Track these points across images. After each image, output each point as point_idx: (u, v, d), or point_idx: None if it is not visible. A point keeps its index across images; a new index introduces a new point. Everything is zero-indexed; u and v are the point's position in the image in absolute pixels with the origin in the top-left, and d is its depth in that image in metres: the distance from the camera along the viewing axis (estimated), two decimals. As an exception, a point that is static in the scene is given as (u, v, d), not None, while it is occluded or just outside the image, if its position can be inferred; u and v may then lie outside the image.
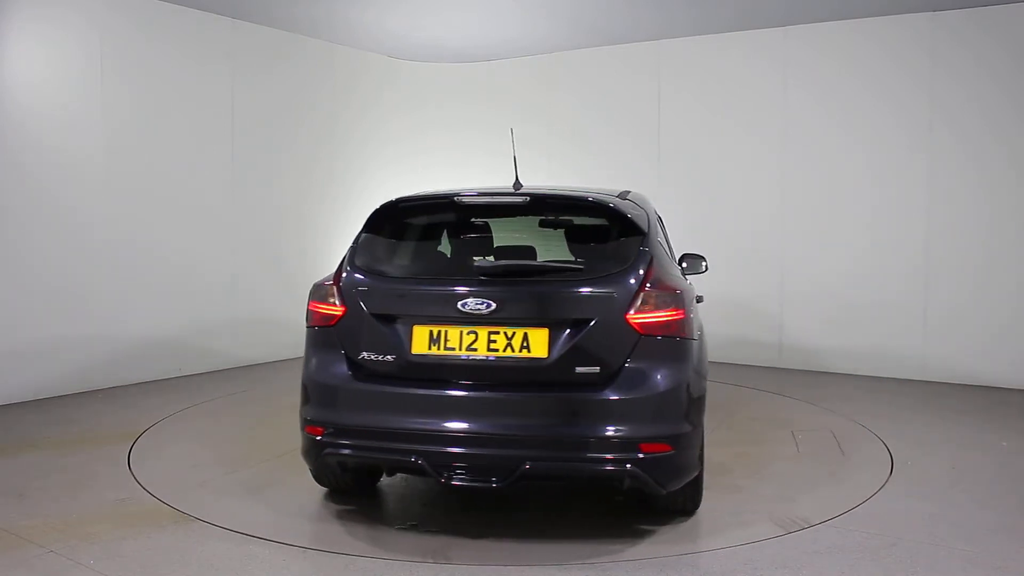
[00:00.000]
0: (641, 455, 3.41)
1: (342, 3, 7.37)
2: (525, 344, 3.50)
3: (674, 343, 3.55)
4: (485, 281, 3.59)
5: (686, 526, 3.89)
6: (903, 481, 4.58)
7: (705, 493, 4.06)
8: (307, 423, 3.72)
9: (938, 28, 7.30)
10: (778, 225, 8.08)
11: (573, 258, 3.96)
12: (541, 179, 9.11)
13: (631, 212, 3.84)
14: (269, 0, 7.27)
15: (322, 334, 3.80)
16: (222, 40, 7.67)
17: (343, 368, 3.70)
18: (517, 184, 4.35)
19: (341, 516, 4.02)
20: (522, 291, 3.56)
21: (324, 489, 4.32)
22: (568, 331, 3.49)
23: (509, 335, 3.51)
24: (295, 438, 3.94)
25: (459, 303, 3.52)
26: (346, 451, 3.65)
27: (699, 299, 4.36)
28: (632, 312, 3.48)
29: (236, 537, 3.72)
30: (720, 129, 8.33)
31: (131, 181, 6.97)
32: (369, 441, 3.62)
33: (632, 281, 3.54)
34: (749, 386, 7.17)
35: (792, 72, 7.97)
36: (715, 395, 6.32)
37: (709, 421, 3.92)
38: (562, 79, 9.18)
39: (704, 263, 5.44)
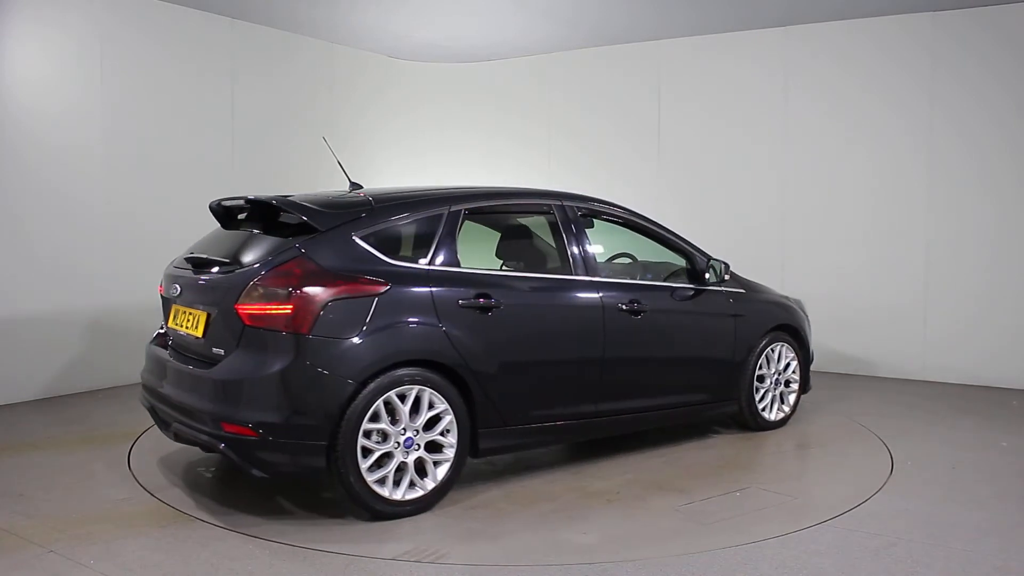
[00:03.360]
0: (225, 434, 3.76)
1: (342, 3, 7.37)
2: (196, 324, 4.13)
3: (277, 336, 3.75)
4: (182, 270, 4.37)
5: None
6: (903, 481, 4.58)
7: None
8: None
9: (938, 28, 7.30)
10: (778, 225, 8.08)
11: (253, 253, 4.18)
12: (539, 180, 9.12)
13: (309, 213, 4.03)
14: (269, 0, 7.27)
15: None
16: (222, 40, 7.67)
17: (151, 335, 4.68)
18: (354, 186, 4.85)
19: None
20: (191, 280, 4.23)
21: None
22: (212, 316, 4.03)
23: (193, 316, 4.17)
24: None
25: (170, 287, 4.39)
26: (142, 400, 4.57)
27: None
28: (239, 303, 3.83)
29: (236, 537, 3.72)
30: (720, 129, 8.33)
31: (131, 181, 6.97)
32: (144, 392, 4.53)
33: (249, 275, 3.88)
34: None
35: (792, 72, 7.96)
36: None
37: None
38: (562, 79, 9.18)
39: (711, 267, 5.35)
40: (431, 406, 4.02)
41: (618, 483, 4.54)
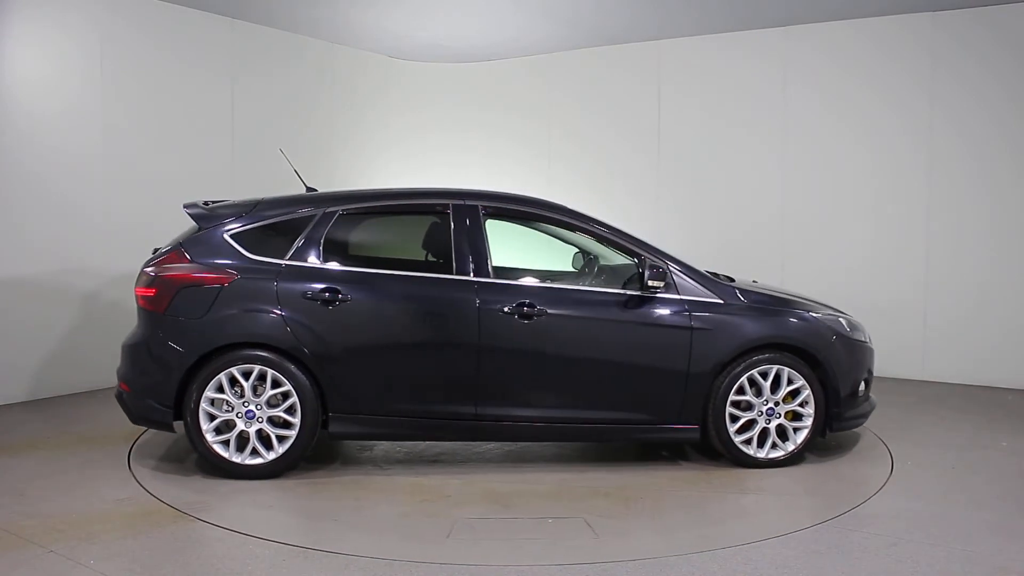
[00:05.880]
0: (119, 389, 4.73)
1: (343, 3, 7.37)
2: None
3: (146, 313, 4.64)
4: None
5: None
6: (903, 481, 4.58)
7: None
8: None
9: (938, 28, 7.30)
10: (778, 225, 8.08)
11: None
12: (539, 180, 9.13)
13: (196, 215, 4.78)
14: (269, 0, 7.27)
15: None
16: (222, 40, 7.67)
17: None
18: (309, 190, 5.29)
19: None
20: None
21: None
22: None
23: None
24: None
25: None
26: None
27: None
28: (136, 286, 4.71)
29: (236, 537, 3.72)
30: (720, 129, 8.32)
31: (131, 181, 6.97)
32: None
33: (145, 261, 4.74)
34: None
35: (792, 72, 7.96)
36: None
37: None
38: (562, 79, 9.18)
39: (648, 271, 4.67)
40: (277, 384, 4.52)
41: (473, 489, 4.41)
